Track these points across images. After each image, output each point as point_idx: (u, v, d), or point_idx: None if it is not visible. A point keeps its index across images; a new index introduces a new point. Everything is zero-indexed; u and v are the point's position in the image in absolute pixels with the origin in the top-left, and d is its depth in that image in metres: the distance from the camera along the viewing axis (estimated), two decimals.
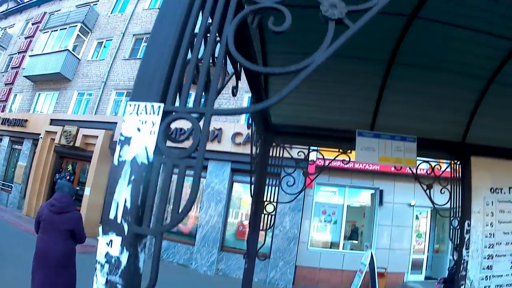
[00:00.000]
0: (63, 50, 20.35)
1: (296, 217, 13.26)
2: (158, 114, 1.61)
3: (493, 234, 5.38)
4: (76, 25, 20.76)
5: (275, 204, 5.41)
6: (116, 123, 16.13)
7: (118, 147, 1.59)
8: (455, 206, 5.25)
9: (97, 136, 16.16)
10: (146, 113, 1.62)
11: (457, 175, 5.33)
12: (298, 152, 5.43)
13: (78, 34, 20.80)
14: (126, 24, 20.03)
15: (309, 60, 1.59)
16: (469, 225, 5.17)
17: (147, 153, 1.57)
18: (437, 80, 4.60)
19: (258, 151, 4.98)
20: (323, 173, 6.14)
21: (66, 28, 21.02)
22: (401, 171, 5.48)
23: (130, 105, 1.63)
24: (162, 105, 1.62)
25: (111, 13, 21.58)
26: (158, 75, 1.69)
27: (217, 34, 1.76)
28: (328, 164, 5.50)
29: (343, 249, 14.04)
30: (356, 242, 14.40)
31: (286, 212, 13.08)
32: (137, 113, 1.63)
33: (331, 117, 5.06)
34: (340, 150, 5.32)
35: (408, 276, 14.11)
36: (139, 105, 1.63)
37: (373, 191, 14.44)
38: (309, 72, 1.59)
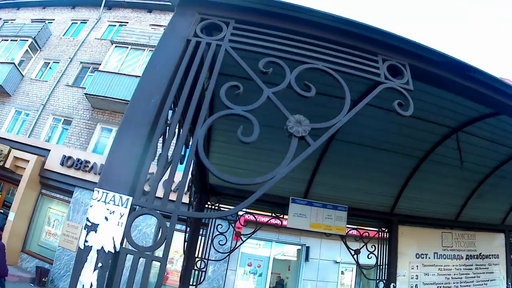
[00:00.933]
0: (9, 63, 19.09)
1: (221, 267, 12.98)
2: (126, 207, 1.73)
3: None
4: (27, 40, 19.65)
5: (206, 261, 5.35)
6: (50, 150, 15.25)
7: (84, 232, 1.70)
8: (381, 270, 5.44)
9: (29, 161, 15.18)
10: (115, 204, 1.72)
11: (385, 241, 5.56)
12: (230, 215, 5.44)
13: (27, 49, 19.69)
14: (76, 50, 19.18)
15: (273, 173, 1.96)
16: (394, 287, 5.36)
17: (114, 243, 1.69)
18: (375, 157, 4.97)
19: (194, 209, 4.96)
20: (251, 226, 6.21)
21: (17, 40, 19.88)
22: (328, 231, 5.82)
23: (98, 192, 1.74)
24: (131, 198, 1.75)
25: (63, 35, 20.65)
26: (128, 168, 1.82)
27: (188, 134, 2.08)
28: (259, 228, 5.57)
29: None
30: None
31: (211, 262, 12.64)
32: (105, 202, 1.73)
33: None
34: (273, 214, 5.40)
35: None
36: (107, 194, 1.74)
37: (299, 247, 14.58)
38: (272, 183, 1.95)
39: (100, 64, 16.95)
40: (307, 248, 14.12)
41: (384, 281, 5.44)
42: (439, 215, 6.37)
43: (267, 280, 13.98)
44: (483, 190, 6.28)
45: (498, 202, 6.98)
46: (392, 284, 5.38)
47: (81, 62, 19.10)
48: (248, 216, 6.25)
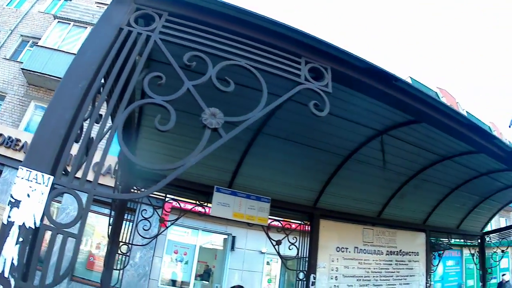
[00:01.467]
0: None
1: (148, 254, 12.93)
2: (47, 185, 1.82)
3: (338, 286, 5.86)
4: None
5: (130, 245, 5.32)
6: None
7: (7, 208, 1.76)
8: (302, 261, 5.62)
9: None
10: (37, 182, 1.81)
11: (306, 234, 5.75)
12: (156, 199, 5.44)
13: None
14: (18, 22, 18.04)
15: (182, 161, 2.05)
16: (314, 278, 5.59)
17: (34, 219, 1.77)
18: (300, 152, 5.14)
19: (120, 192, 4.92)
20: (176, 213, 6.21)
21: None
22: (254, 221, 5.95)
23: (22, 170, 1.81)
24: (52, 178, 1.85)
25: (6, 5, 19.53)
26: (51, 148, 1.90)
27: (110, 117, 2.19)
28: (183, 215, 5.62)
29: None
30: (207, 282, 14.44)
31: (138, 248, 12.37)
32: (28, 179, 1.81)
33: (193, 171, 5.18)
34: (197, 202, 5.44)
35: None
36: (31, 172, 1.81)
37: (226, 236, 14.69)
38: (182, 170, 2.06)
39: (40, 39, 15.99)
40: (233, 237, 14.27)
41: (305, 272, 5.63)
42: (361, 212, 6.68)
43: (193, 268, 13.94)
44: (406, 191, 6.60)
45: (420, 203, 7.37)
46: (312, 275, 5.58)
47: (21, 35, 17.82)
48: (174, 204, 6.24)
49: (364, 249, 6.39)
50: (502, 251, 10.07)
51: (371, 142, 5.25)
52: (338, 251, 5.96)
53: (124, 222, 5.24)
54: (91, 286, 11.91)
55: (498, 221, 30.34)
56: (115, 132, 2.04)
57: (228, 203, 4.97)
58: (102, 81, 2.16)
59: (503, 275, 21.55)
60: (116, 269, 5.29)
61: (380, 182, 6.23)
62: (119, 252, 5.21)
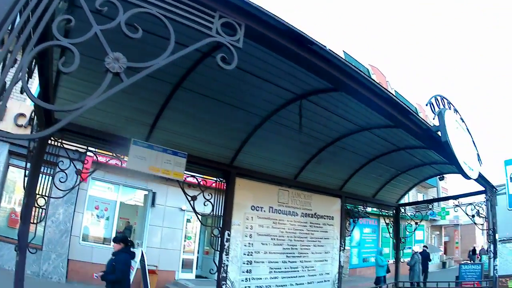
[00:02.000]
0: None
1: (69, 209, 12.71)
2: None
3: (252, 244, 6.16)
4: None
5: (46, 198, 5.28)
6: None
7: None
8: (217, 218, 5.84)
9: None
10: None
11: (222, 191, 5.97)
12: (74, 151, 5.40)
13: None
14: None
15: (82, 103, 2.01)
16: (229, 235, 5.83)
17: None
18: (219, 110, 5.28)
19: (36, 144, 4.85)
20: (99, 168, 6.20)
21: None
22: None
23: None
24: None
25: None
26: None
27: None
28: (99, 168, 5.64)
29: None
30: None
31: (60, 204, 12.33)
32: None
33: (110, 122, 5.18)
34: (114, 155, 5.48)
35: (179, 275, 14.77)
36: None
37: (146, 192, 14.73)
38: (79, 113, 2.03)
39: None
40: (154, 193, 14.35)
41: (220, 228, 5.86)
42: (278, 173, 6.89)
43: (114, 225, 13.89)
44: (323, 157, 6.89)
45: (337, 170, 7.74)
46: (227, 232, 5.82)
47: None
48: (96, 158, 6.23)
49: (279, 210, 6.66)
50: (416, 223, 10.79)
51: (290, 106, 5.37)
52: (253, 210, 6.23)
53: (43, 175, 5.17)
54: (14, 245, 11.35)
55: (416, 196, 32.54)
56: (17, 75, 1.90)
57: (145, 156, 5.00)
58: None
59: (424, 246, 23.47)
60: (33, 223, 5.23)
61: (298, 146, 6.41)
62: (36, 205, 5.16)
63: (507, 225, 12.85)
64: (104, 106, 4.86)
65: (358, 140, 6.72)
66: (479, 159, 6.46)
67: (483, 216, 9.07)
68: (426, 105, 5.11)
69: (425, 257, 20.68)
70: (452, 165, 5.63)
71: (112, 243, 7.57)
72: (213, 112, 5.27)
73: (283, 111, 5.53)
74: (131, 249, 7.12)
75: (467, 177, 5.59)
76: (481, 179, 7.71)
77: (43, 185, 5.26)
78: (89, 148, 5.71)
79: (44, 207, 5.35)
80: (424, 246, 22.79)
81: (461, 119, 5.68)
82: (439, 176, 10.44)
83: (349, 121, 6.04)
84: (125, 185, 14.24)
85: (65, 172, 5.19)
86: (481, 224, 10.08)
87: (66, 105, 4.21)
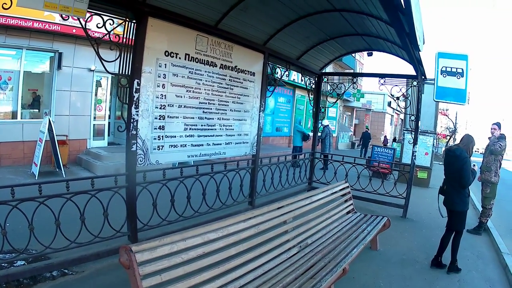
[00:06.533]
0: None
1: None
2: None
3: (165, 95, 5.49)
4: None
5: None
6: None
7: None
8: (124, 65, 4.97)
9: None
10: None
11: (131, 33, 5.00)
12: None
13: None
14: None
15: None
16: (138, 84, 5.08)
17: None
18: None
19: None
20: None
21: None
22: (83, 34, 4.72)
23: None
24: None
25: None
26: None
27: None
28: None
29: (21, 118, 12.56)
30: (36, 110, 13.28)
31: None
32: None
33: None
34: None
35: (91, 143, 14.20)
36: None
37: (52, 54, 13.09)
38: None
39: None
40: (60, 54, 12.82)
41: (128, 77, 5.05)
42: (198, 17, 5.92)
43: (19, 96, 12.38)
44: (251, 3, 6.08)
45: (263, 22, 6.98)
46: (136, 80, 5.01)
47: None
48: None
49: (197, 58, 5.85)
50: (334, 99, 10.95)
51: None
52: (167, 56, 5.42)
53: None
54: None
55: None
56: None
57: None
58: None
59: (366, 128, 27.20)
60: None
61: None
62: None
63: (423, 119, 13.54)
64: None
65: None
66: (423, 38, 6.20)
67: (406, 99, 9.13)
68: None
69: (366, 137, 27.06)
70: (401, 31, 5.26)
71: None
72: None
73: None
74: None
75: (417, 47, 5.32)
76: (417, 62, 7.64)
77: None
78: None
79: None
80: (366, 128, 29.89)
81: None
82: (367, 52, 10.11)
83: None
84: (29, 49, 12.41)
85: None
86: (404, 108, 10.16)
87: None
